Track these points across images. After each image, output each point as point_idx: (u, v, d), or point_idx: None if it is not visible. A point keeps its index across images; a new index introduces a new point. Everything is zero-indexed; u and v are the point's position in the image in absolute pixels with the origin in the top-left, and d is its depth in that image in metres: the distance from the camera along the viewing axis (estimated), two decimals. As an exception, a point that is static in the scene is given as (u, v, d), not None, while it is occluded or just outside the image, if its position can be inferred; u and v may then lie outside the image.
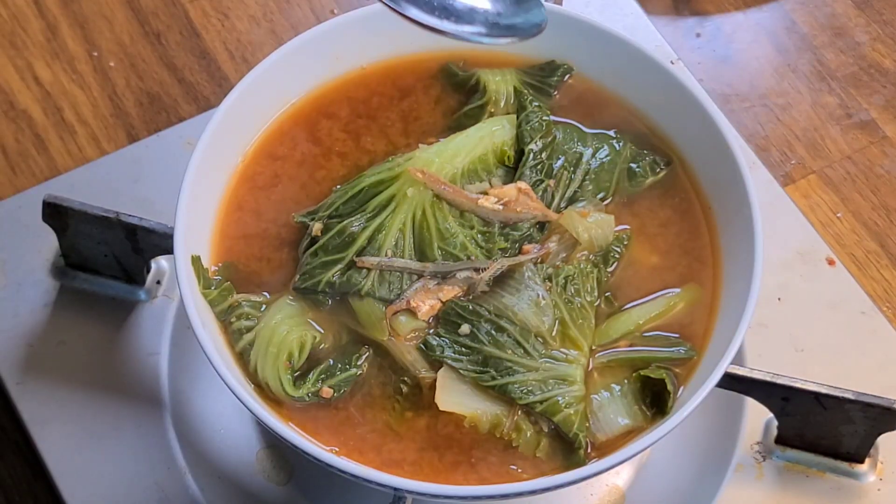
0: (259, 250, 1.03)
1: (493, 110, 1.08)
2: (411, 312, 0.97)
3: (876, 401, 1.03)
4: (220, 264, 1.02)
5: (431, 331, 0.97)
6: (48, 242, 1.17)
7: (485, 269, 0.98)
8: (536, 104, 1.06)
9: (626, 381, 0.97)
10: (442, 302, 0.98)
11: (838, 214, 1.25)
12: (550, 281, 0.98)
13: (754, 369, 1.04)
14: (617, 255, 1.02)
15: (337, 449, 0.95)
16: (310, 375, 0.97)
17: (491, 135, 1.04)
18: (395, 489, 0.92)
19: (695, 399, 0.92)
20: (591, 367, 0.98)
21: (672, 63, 1.20)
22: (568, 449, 0.95)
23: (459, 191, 1.01)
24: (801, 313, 1.16)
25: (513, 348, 0.95)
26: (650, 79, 1.07)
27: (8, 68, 1.32)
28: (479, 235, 1.00)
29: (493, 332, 0.96)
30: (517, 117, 1.06)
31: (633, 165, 1.06)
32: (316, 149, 1.08)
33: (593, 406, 0.96)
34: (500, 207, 1.00)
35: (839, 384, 1.03)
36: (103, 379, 1.12)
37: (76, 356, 1.13)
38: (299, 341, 0.98)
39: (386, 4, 0.79)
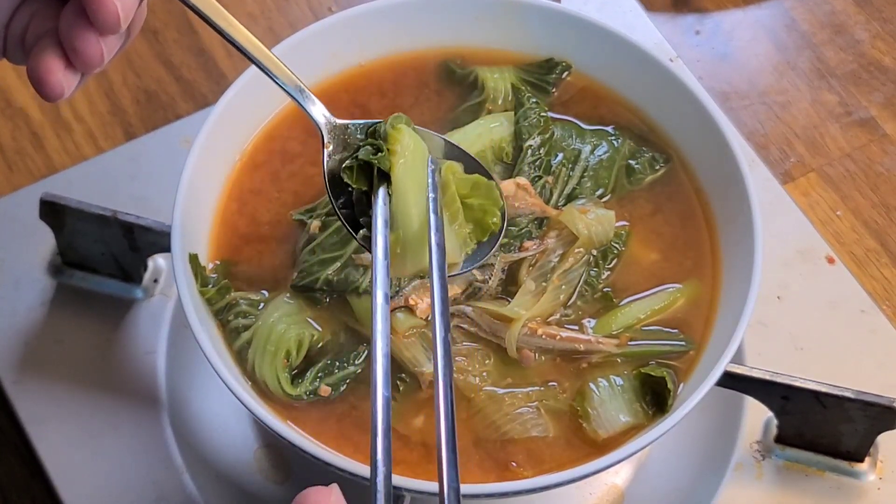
0: (257, 248, 1.03)
1: (490, 107, 1.08)
2: (409, 309, 0.97)
3: (876, 399, 1.02)
4: (217, 262, 1.02)
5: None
6: (45, 241, 1.17)
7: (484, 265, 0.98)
8: (534, 101, 1.06)
9: (626, 377, 0.97)
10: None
11: (838, 212, 1.25)
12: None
13: (754, 368, 1.04)
14: (616, 252, 1.02)
15: (335, 447, 0.95)
16: (308, 374, 0.97)
17: (489, 131, 1.04)
18: (394, 488, 0.92)
19: (694, 397, 0.92)
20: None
21: (671, 61, 1.20)
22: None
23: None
24: (800, 312, 1.15)
25: None
26: (649, 76, 1.07)
27: (5, 66, 1.32)
28: (477, 232, 1.00)
29: None
30: (515, 114, 1.05)
31: (632, 162, 1.06)
32: (314, 146, 1.07)
33: (594, 402, 0.96)
34: (499, 203, 1.00)
35: (839, 383, 1.03)
36: (100, 377, 1.12)
37: (73, 354, 1.13)
38: (297, 339, 0.97)
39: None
